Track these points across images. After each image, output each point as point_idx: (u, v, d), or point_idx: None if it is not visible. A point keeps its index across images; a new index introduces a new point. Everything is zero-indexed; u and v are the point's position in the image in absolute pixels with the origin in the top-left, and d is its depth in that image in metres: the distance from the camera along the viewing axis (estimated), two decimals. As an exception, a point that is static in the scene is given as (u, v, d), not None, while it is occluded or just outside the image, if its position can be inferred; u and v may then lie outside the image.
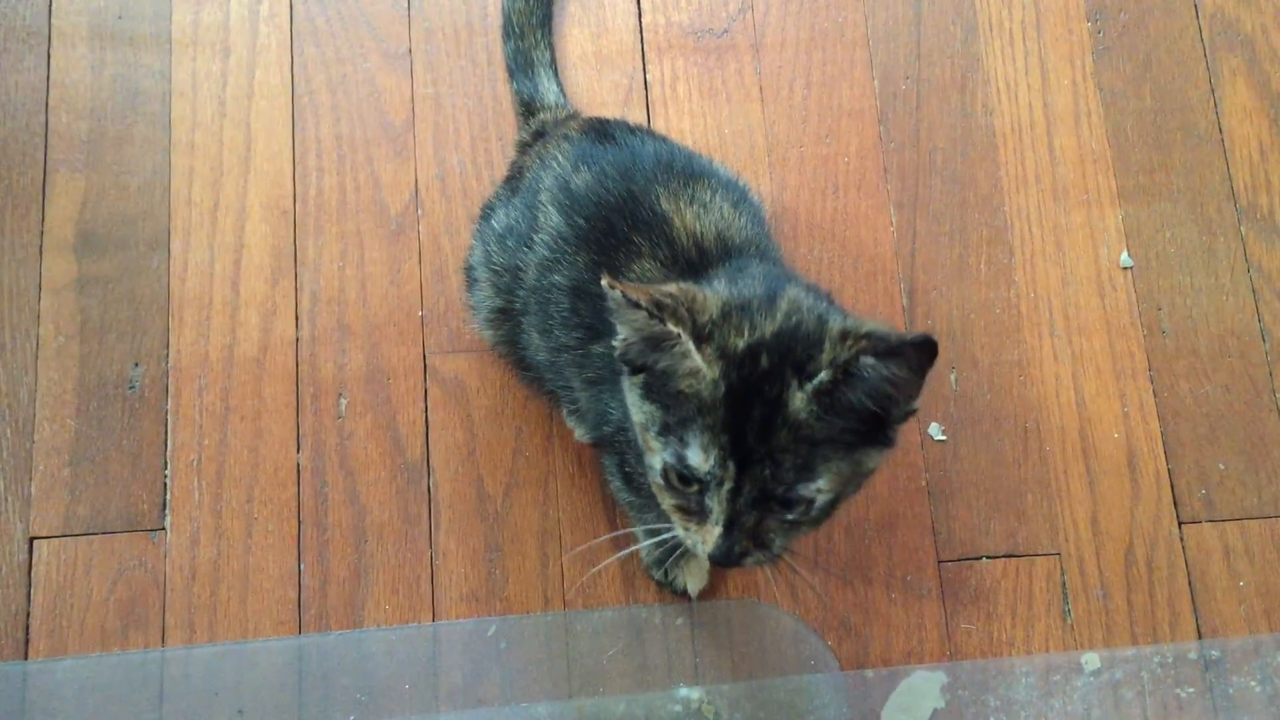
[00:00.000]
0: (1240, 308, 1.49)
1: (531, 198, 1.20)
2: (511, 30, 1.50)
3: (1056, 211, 1.52)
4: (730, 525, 0.93)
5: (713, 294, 0.95)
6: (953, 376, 1.45)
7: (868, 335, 0.89)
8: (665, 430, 0.94)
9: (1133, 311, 1.48)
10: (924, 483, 1.41)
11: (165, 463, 1.39)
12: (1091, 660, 1.36)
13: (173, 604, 1.35)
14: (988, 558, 1.39)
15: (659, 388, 0.94)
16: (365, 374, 1.43)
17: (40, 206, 1.47)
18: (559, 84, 1.49)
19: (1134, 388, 1.46)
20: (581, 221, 1.13)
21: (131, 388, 1.42)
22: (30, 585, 1.35)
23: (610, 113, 1.50)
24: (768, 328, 0.93)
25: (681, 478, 0.94)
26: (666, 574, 1.34)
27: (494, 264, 1.25)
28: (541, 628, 1.35)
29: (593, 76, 1.55)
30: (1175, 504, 1.42)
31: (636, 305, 0.89)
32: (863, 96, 1.56)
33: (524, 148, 1.39)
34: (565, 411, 1.37)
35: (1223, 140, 1.55)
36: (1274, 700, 1.35)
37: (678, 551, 1.32)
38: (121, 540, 1.37)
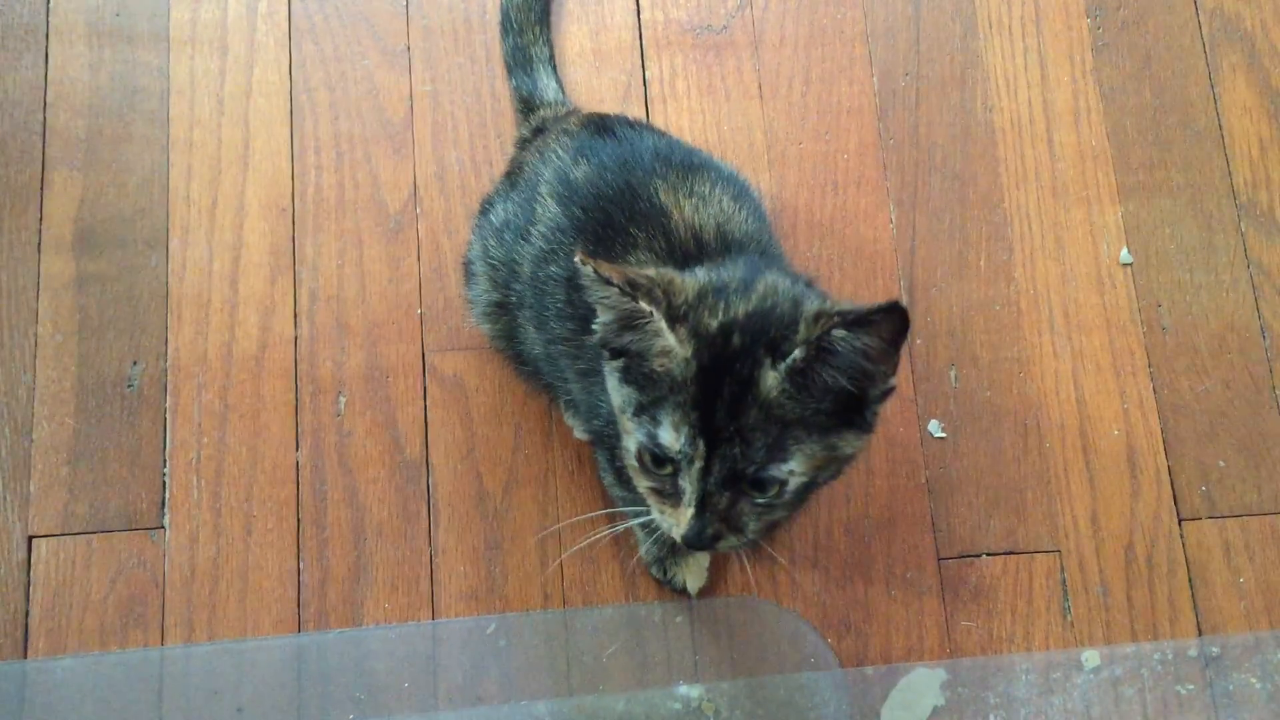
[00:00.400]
0: (1240, 304, 1.49)
1: (530, 191, 1.21)
2: (510, 27, 1.50)
3: (1056, 208, 1.52)
4: (702, 506, 0.93)
5: (691, 279, 0.97)
6: (952, 373, 1.45)
7: (840, 311, 0.89)
8: (639, 411, 0.94)
9: (1132, 308, 1.48)
10: (924, 480, 1.41)
11: (164, 461, 1.39)
12: (1091, 657, 1.36)
13: (172, 602, 1.35)
14: (988, 555, 1.39)
15: (635, 369, 0.95)
16: (364, 372, 1.43)
17: (38, 205, 1.47)
18: (558, 80, 1.49)
19: (1134, 384, 1.45)
20: (579, 213, 1.13)
21: (130, 386, 1.41)
22: (29, 584, 1.35)
23: (609, 110, 1.49)
24: (741, 308, 0.93)
25: (655, 459, 0.95)
26: (666, 572, 1.34)
27: (491, 258, 1.26)
28: (541, 625, 1.35)
29: (591, 73, 1.55)
30: (1175, 500, 1.42)
31: (609, 282, 0.90)
32: (862, 93, 1.56)
33: (523, 144, 1.39)
34: (563, 405, 1.37)
35: (1222, 136, 1.55)
36: (1274, 697, 1.35)
37: (677, 549, 1.33)
38: (120, 539, 1.36)
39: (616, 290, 0.90)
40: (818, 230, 1.50)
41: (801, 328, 0.90)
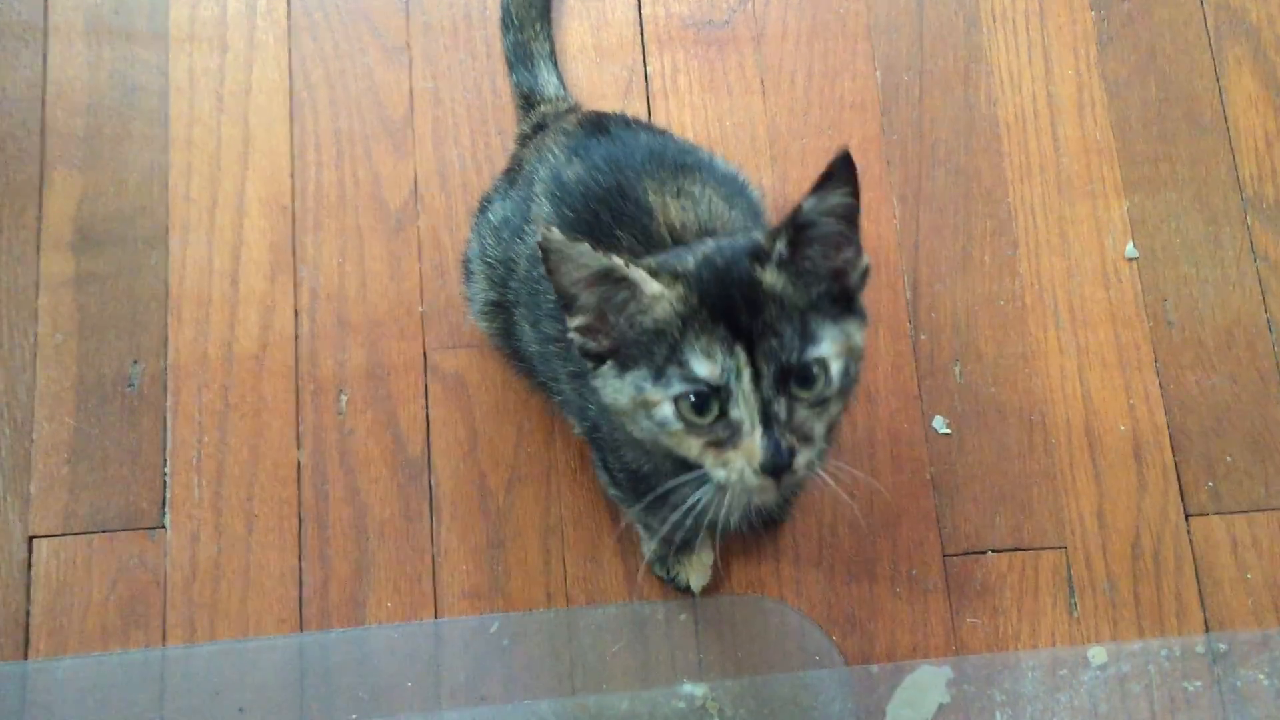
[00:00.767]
0: (1246, 298, 1.48)
1: (526, 190, 1.21)
2: (510, 22, 1.49)
3: (1061, 203, 1.51)
4: (766, 419, 0.90)
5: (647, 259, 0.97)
6: (957, 369, 1.44)
7: (798, 204, 0.91)
8: (659, 373, 0.92)
9: (1138, 303, 1.47)
10: (929, 476, 1.40)
11: (165, 461, 1.39)
12: (1098, 654, 1.35)
13: (173, 602, 1.34)
14: (993, 551, 1.38)
15: (631, 346, 0.93)
16: (365, 370, 1.42)
17: (38, 204, 1.46)
18: (559, 76, 1.48)
19: (1140, 380, 1.45)
20: (569, 213, 1.13)
21: (130, 385, 1.41)
22: (30, 584, 1.34)
23: (610, 106, 1.49)
24: (703, 250, 0.95)
25: (698, 404, 0.91)
26: (669, 570, 1.33)
27: (488, 256, 1.25)
28: (544, 624, 1.34)
29: (592, 69, 1.54)
30: (1182, 496, 1.41)
31: (576, 240, 0.89)
32: (865, 88, 1.55)
33: (524, 140, 1.39)
34: (557, 405, 1.37)
35: (1228, 130, 1.54)
36: (1282, 693, 1.34)
37: (679, 545, 1.32)
38: (121, 539, 1.36)
39: (587, 246, 0.89)
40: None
41: (770, 237, 0.93)
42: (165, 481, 1.38)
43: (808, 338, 0.91)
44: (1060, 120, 1.54)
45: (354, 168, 1.49)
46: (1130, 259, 1.49)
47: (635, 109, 1.52)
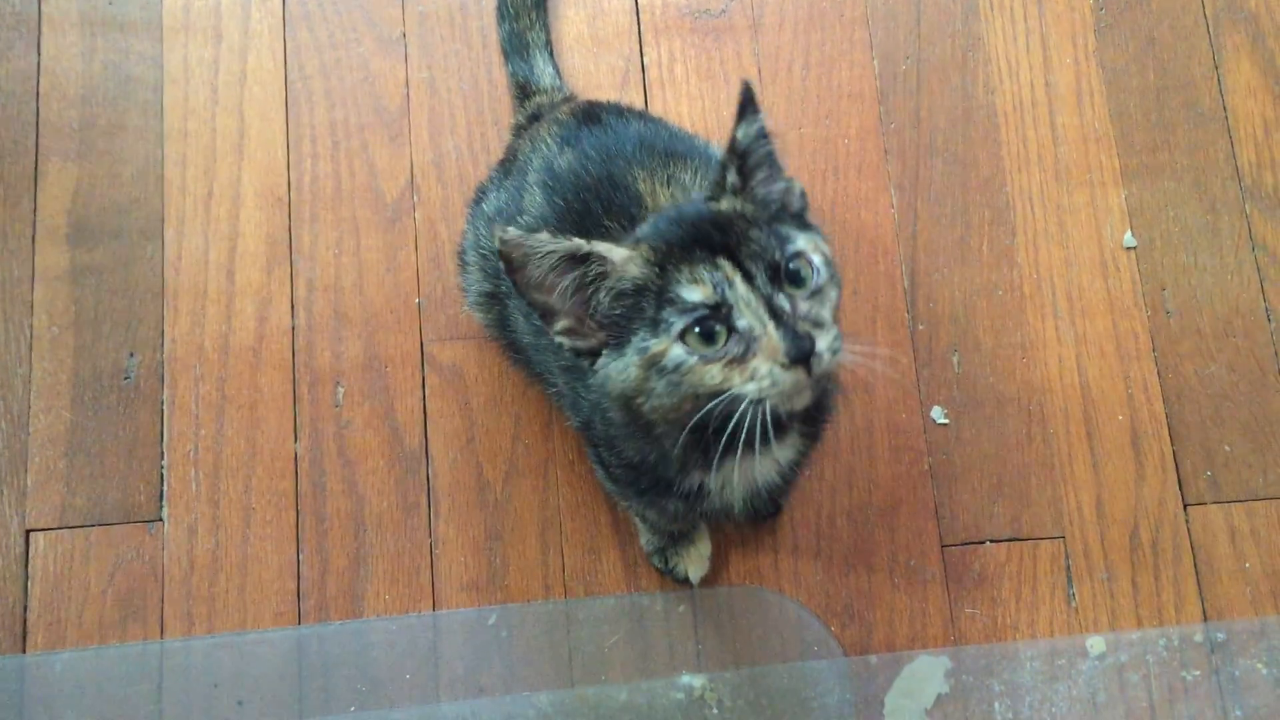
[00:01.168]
0: (1245, 287, 1.47)
1: (520, 180, 1.21)
2: (506, 12, 1.48)
3: (1059, 192, 1.50)
4: (774, 313, 0.90)
5: None
6: (955, 359, 1.44)
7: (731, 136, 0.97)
8: (655, 323, 0.91)
9: (1136, 292, 1.47)
10: (927, 467, 1.40)
11: (162, 454, 1.38)
12: (1096, 643, 1.35)
13: (171, 595, 1.34)
14: (991, 541, 1.38)
15: (620, 320, 0.93)
16: (362, 362, 1.42)
17: (32, 196, 1.46)
18: (555, 66, 1.47)
19: (1138, 369, 1.44)
20: (561, 203, 1.13)
21: (127, 378, 1.40)
22: (27, 578, 1.34)
23: (607, 96, 1.49)
24: (653, 217, 0.99)
25: (705, 333, 0.90)
26: (667, 561, 1.33)
27: (483, 247, 1.25)
28: (543, 616, 1.34)
29: (589, 59, 1.54)
30: (1180, 486, 1.41)
31: (535, 230, 0.91)
32: (863, 77, 1.54)
33: (519, 131, 1.38)
34: (551, 397, 1.36)
35: (1226, 118, 1.54)
36: (1280, 682, 1.34)
37: (677, 537, 1.32)
38: (118, 532, 1.36)
39: (545, 234, 0.90)
40: (818, 216, 1.47)
41: (721, 163, 0.97)
42: (162, 474, 1.38)
43: (782, 239, 0.93)
44: (1058, 109, 1.53)
45: (350, 159, 1.49)
46: (1129, 248, 1.49)
47: (632, 99, 1.51)
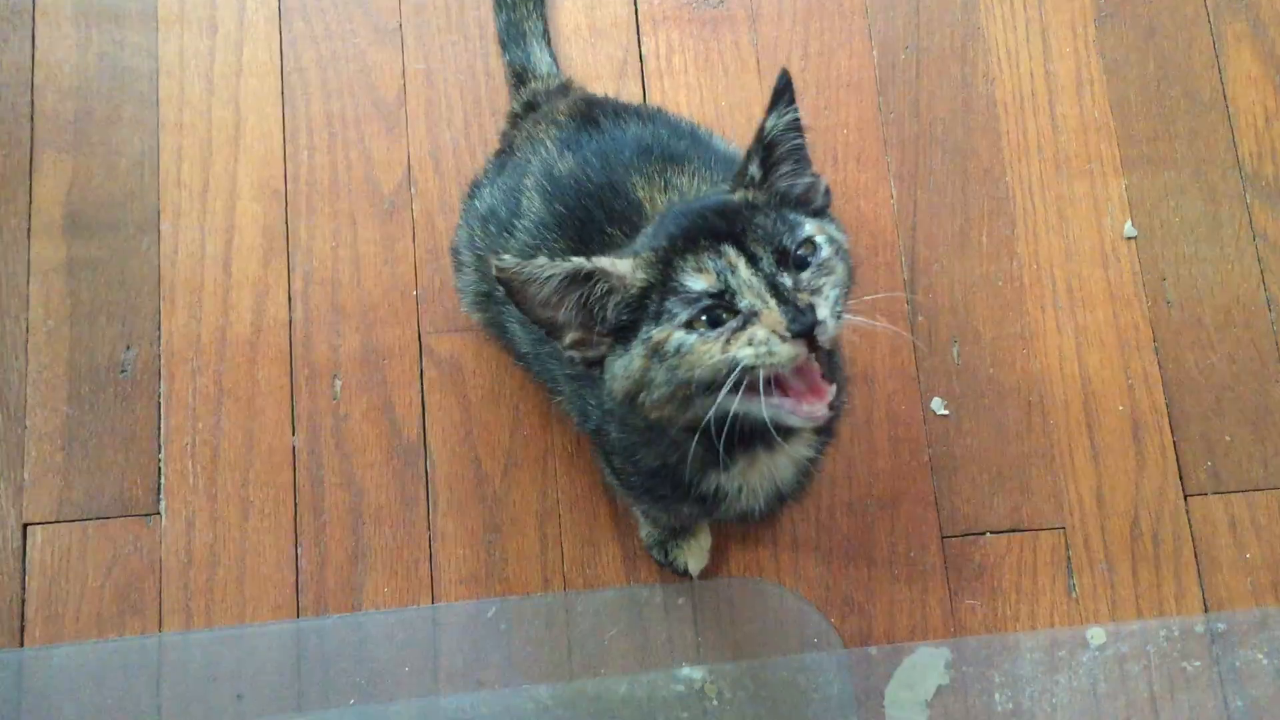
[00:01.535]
0: (1245, 277, 1.47)
1: (516, 181, 1.19)
2: (504, 2, 1.48)
3: (1059, 182, 1.50)
4: (776, 291, 0.88)
5: None
6: (955, 350, 1.44)
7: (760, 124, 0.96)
8: (659, 314, 0.91)
9: (1137, 282, 1.47)
10: (926, 458, 1.40)
11: (159, 447, 1.38)
12: (1097, 634, 1.35)
13: (169, 589, 1.34)
14: (991, 533, 1.38)
15: (631, 318, 0.92)
16: (360, 355, 1.41)
17: (27, 189, 1.45)
18: (551, 54, 1.47)
19: (1138, 359, 1.44)
20: (561, 209, 1.12)
21: (123, 371, 1.40)
22: (25, 572, 1.34)
23: (605, 86, 1.48)
24: (658, 217, 0.99)
25: (711, 320, 0.89)
26: (667, 554, 1.33)
27: (477, 247, 1.24)
28: (542, 609, 1.34)
29: (587, 50, 1.53)
30: (1181, 476, 1.40)
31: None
32: (861, 67, 1.54)
33: (515, 119, 1.37)
34: (557, 403, 1.35)
35: (1227, 107, 1.53)
36: (1281, 673, 1.34)
37: (677, 529, 1.31)
38: (116, 525, 1.35)
39: (544, 258, 0.90)
40: (817, 207, 1.48)
41: (748, 153, 0.96)
42: (160, 468, 1.37)
43: (791, 224, 0.92)
44: (1058, 99, 1.53)
45: (346, 151, 1.48)
46: (1129, 238, 1.48)
47: (630, 89, 1.51)
